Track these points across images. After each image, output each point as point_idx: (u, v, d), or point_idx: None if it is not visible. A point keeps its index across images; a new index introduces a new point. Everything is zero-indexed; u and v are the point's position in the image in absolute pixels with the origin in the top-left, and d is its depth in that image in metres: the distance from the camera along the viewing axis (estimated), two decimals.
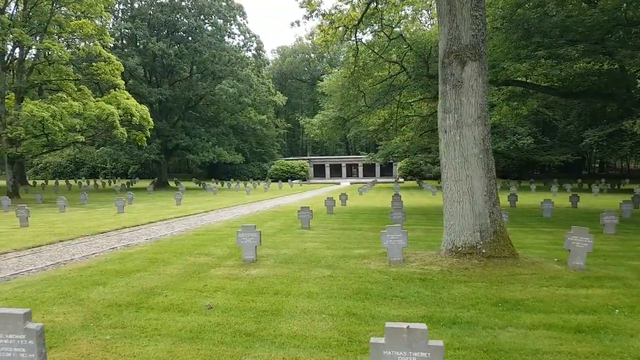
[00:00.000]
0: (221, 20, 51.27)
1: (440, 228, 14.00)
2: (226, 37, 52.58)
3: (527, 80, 21.38)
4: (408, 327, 3.12)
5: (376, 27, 19.78)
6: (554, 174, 62.51)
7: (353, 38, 18.94)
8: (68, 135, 27.32)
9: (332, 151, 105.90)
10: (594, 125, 40.29)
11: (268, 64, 69.66)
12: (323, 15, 18.25)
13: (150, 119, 33.23)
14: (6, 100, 28.81)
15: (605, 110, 42.90)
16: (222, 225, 16.25)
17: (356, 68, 19.23)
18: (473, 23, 8.08)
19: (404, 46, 20.24)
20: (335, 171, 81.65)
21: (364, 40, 21.05)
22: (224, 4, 50.78)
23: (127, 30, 46.84)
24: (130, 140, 32.67)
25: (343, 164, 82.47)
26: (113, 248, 11.57)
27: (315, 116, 32.87)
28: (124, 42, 50.21)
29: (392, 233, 8.72)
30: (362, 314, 5.81)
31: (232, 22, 52.23)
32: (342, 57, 21.46)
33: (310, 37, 19.09)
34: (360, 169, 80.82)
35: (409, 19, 20.50)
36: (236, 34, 53.15)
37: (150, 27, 48.14)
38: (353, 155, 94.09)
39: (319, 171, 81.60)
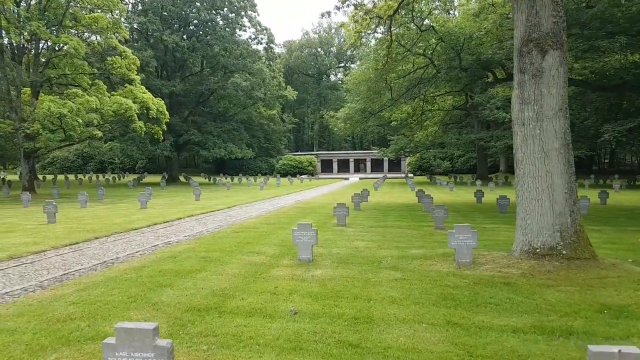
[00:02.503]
0: (233, 14, 50.67)
1: (487, 227, 13.65)
2: (237, 30, 52.01)
3: None
4: (619, 351, 2.70)
5: (405, 19, 19.30)
6: None
7: (381, 30, 18.52)
8: (86, 130, 26.92)
9: (339, 146, 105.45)
10: (612, 120, 39.67)
11: (279, 57, 69.08)
12: (355, 5, 17.80)
13: (167, 112, 32.82)
14: (22, 96, 28.41)
15: (622, 105, 42.37)
16: (255, 222, 15.85)
17: (388, 60, 18.77)
18: (554, 9, 7.63)
19: (434, 38, 19.78)
20: (343, 166, 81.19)
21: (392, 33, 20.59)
22: None
23: (138, 24, 46.28)
24: (147, 134, 32.26)
25: (351, 159, 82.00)
26: (155, 246, 11.18)
27: (340, 110, 32.40)
28: (135, 36, 49.65)
29: (460, 233, 8.30)
30: (464, 324, 5.39)
31: (244, 14, 51.63)
32: (368, 50, 20.83)
33: (341, 28, 18.60)
34: (369, 164, 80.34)
35: (439, 10, 19.98)
36: (247, 27, 52.52)
37: (162, 20, 47.61)
38: (360, 150, 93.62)
39: (327, 166, 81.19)
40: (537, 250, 7.75)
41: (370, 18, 16.63)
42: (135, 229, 14.17)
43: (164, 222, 15.88)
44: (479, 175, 48.81)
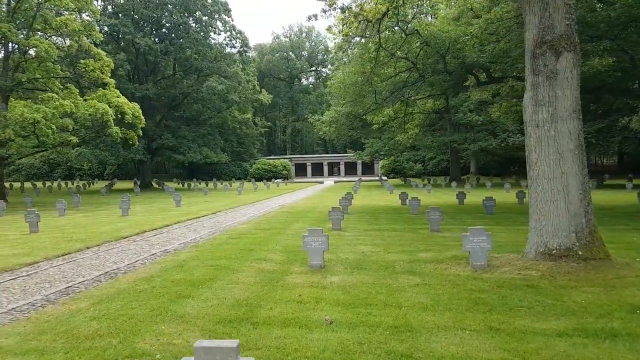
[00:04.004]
0: (206, 17, 49.99)
1: (485, 228, 13.69)
2: (212, 34, 51.42)
3: None
4: None
5: (390, 23, 19.34)
6: None
7: (367, 34, 18.48)
8: (60, 135, 26.02)
9: (311, 150, 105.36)
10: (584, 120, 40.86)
11: (254, 61, 68.57)
12: (342, 9, 17.73)
13: (142, 117, 32.08)
14: None
15: (590, 108, 43.74)
16: (248, 228, 15.56)
17: (376, 63, 18.78)
18: (567, 12, 7.72)
19: (418, 42, 19.91)
20: (317, 170, 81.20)
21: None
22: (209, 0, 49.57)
23: (109, 27, 45.10)
24: (122, 139, 31.41)
25: (325, 163, 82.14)
26: (153, 255, 10.82)
27: (325, 113, 32.30)
28: (105, 38, 48.36)
29: (475, 236, 8.29)
30: (507, 329, 5.32)
31: (217, 17, 51.01)
32: (353, 53, 20.79)
33: (328, 31, 18.52)
34: (342, 167, 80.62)
35: (423, 14, 20.18)
36: (221, 31, 51.92)
37: (134, 23, 46.56)
38: (333, 154, 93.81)
39: (301, 170, 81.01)
40: (553, 251, 7.80)
41: (360, 21, 16.60)
42: (125, 238, 13.72)
43: (153, 230, 15.44)
44: (453, 177, 49.51)
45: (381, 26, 18.38)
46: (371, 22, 16.85)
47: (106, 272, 8.94)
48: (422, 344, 4.96)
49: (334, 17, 18.96)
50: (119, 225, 16.66)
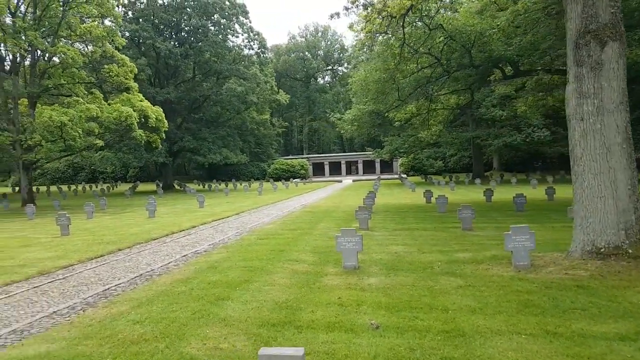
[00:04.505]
0: (224, 20, 50.15)
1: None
2: (230, 37, 51.58)
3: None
4: None
5: (413, 18, 19.07)
6: (556, 166, 61.97)
7: (390, 29, 18.24)
8: (87, 139, 26.35)
9: (328, 149, 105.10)
10: None
11: (271, 62, 68.63)
12: (364, 6, 17.56)
13: (165, 121, 32.29)
14: (19, 107, 27.70)
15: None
16: (275, 228, 15.44)
17: (400, 59, 18.54)
18: (611, 0, 7.45)
19: (442, 37, 19.60)
20: (335, 169, 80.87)
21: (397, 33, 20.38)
22: (227, 2, 49.68)
23: (130, 32, 45.53)
24: (146, 142, 31.67)
25: (342, 162, 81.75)
26: (184, 256, 10.77)
27: (347, 112, 32.05)
28: (127, 44, 48.98)
29: (518, 235, 8.03)
30: (564, 333, 5.07)
31: (235, 20, 51.14)
32: (376, 50, 20.50)
33: (350, 29, 18.33)
34: (360, 165, 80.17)
35: (446, 9, 19.83)
36: (239, 33, 52.05)
37: (154, 27, 46.95)
38: (350, 152, 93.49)
39: (318, 169, 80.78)
40: (602, 250, 7.50)
41: (383, 17, 16.38)
42: (155, 239, 13.75)
43: (181, 231, 15.46)
44: (476, 173, 48.81)
45: (405, 22, 18.16)
46: (395, 17, 16.63)
47: (141, 274, 8.91)
48: (477, 349, 4.76)
49: (356, 14, 18.81)
50: (147, 227, 16.73)
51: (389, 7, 16.11)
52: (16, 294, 7.83)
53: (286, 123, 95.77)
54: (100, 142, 27.63)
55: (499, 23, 17.33)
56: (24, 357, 4.87)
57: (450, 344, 4.93)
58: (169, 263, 10.01)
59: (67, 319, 6.24)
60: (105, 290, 7.80)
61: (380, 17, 16.10)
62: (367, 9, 16.94)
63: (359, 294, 6.92)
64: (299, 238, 12.89)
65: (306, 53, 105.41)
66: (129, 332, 5.47)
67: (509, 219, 15.84)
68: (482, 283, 7.25)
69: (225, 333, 5.34)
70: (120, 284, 8.24)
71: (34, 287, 8.21)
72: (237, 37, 52.56)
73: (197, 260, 10.15)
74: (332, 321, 5.69)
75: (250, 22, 52.31)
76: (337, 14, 18.39)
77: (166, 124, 32.61)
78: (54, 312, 6.63)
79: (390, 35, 18.95)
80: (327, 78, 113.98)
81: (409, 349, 4.82)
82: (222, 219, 19.17)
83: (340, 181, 65.14)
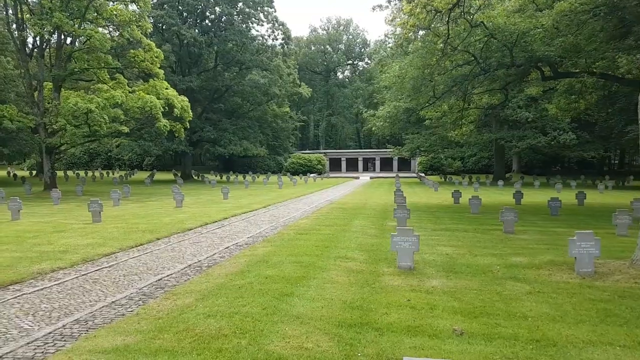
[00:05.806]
0: (249, 9, 49.87)
1: (557, 230, 13.07)
2: (255, 25, 51.36)
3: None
4: None
5: (455, 14, 18.67)
6: (575, 170, 60.97)
7: (433, 25, 17.86)
8: (112, 125, 26.30)
9: (345, 145, 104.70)
10: (635, 120, 39.04)
11: (295, 53, 68.21)
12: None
13: (190, 111, 32.15)
14: (43, 90, 27.70)
15: None
16: (310, 223, 15.18)
17: (442, 55, 18.18)
18: None
19: (481, 35, 19.18)
20: (352, 165, 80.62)
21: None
22: None
23: (155, 18, 45.39)
24: (169, 132, 31.55)
25: (360, 158, 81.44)
26: (227, 248, 10.61)
27: (380, 108, 31.70)
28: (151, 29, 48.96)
29: (582, 240, 7.72)
30: None
31: (260, 9, 50.80)
32: (416, 45, 20.04)
33: (391, 22, 17.96)
34: (378, 163, 79.81)
35: (486, 7, 19.37)
36: (264, 22, 51.66)
37: (179, 14, 46.83)
38: (367, 149, 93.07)
39: (335, 165, 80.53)
40: None
41: (428, 12, 16.02)
42: (191, 229, 13.62)
43: (214, 222, 15.31)
44: (497, 175, 48.23)
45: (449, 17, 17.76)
46: (440, 12, 16.28)
47: (189, 265, 8.75)
48: None
49: (395, 8, 18.43)
50: (178, 216, 16.59)
51: (434, 1, 15.74)
52: (66, 281, 7.69)
53: (304, 117, 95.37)
54: (125, 129, 27.52)
55: (543, 23, 16.90)
56: (102, 349, 4.69)
57: (545, 353, 4.67)
58: (214, 254, 9.85)
59: (129, 310, 6.07)
60: (159, 280, 7.65)
61: (425, 11, 15.74)
62: (410, 2, 16.58)
63: (426, 296, 6.66)
64: (338, 235, 12.64)
65: (327, 46, 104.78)
66: (204, 326, 5.28)
67: (547, 223, 15.52)
68: (550, 289, 6.97)
69: (304, 331, 5.13)
70: (171, 274, 8.08)
71: (83, 275, 8.06)
72: (262, 25, 52.04)
73: (242, 253, 9.96)
74: (411, 325, 5.45)
75: (275, 12, 51.91)
76: (380, 6, 18.08)
77: (191, 114, 32.48)
78: (113, 302, 6.47)
79: (429, 31, 18.57)
80: (347, 73, 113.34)
81: (504, 357, 4.56)
82: (251, 211, 18.99)
83: (358, 178, 64.83)
